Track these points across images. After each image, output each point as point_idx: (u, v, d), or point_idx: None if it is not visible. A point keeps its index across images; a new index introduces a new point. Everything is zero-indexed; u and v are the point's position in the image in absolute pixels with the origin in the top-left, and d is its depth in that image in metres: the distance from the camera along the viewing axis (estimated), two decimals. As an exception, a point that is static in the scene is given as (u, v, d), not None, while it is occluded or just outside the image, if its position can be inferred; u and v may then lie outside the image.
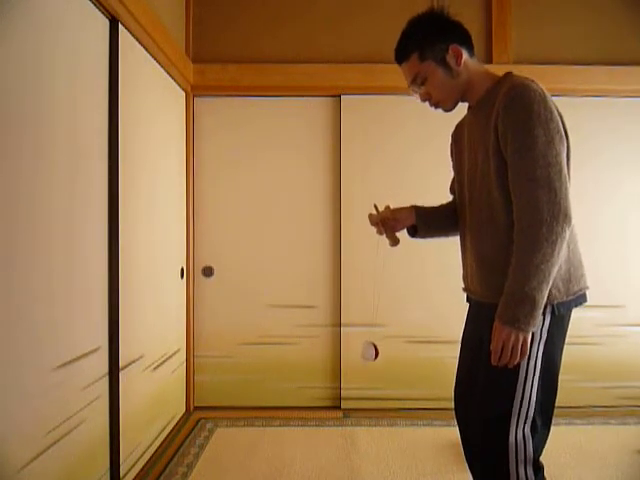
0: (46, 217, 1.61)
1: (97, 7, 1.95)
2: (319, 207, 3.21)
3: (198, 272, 3.19)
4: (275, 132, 3.20)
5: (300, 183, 3.21)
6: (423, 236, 1.65)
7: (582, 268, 1.40)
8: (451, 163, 1.65)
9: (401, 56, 1.46)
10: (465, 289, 1.56)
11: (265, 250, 3.20)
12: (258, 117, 3.20)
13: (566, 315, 1.37)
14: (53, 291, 1.64)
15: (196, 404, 3.17)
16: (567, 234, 1.24)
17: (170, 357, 2.78)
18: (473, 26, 3.20)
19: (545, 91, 1.31)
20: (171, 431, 2.78)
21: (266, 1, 3.21)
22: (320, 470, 2.35)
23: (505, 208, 1.33)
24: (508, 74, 1.42)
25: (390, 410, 3.10)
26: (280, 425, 2.90)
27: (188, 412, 3.09)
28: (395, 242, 1.61)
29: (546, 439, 1.39)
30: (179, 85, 2.94)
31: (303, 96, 3.19)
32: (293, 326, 3.19)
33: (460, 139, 1.57)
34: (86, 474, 1.85)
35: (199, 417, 3.01)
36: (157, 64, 2.57)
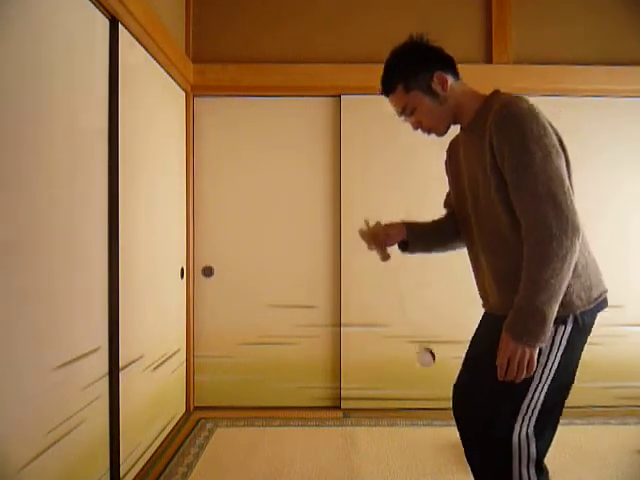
0: (46, 217, 1.61)
1: (97, 7, 1.95)
2: (319, 207, 3.21)
3: (198, 272, 3.19)
4: (275, 132, 3.20)
5: (300, 183, 3.21)
6: (413, 251, 1.65)
7: (599, 272, 1.39)
8: (446, 178, 1.65)
9: (387, 89, 1.47)
10: (485, 306, 1.54)
11: (265, 250, 3.20)
12: (258, 117, 3.20)
13: (589, 323, 1.36)
14: (53, 291, 1.64)
15: (196, 404, 3.17)
16: (577, 247, 1.23)
17: (170, 357, 2.77)
18: (473, 26, 3.22)
19: (536, 107, 1.31)
20: (171, 431, 2.77)
21: (266, 1, 3.21)
22: (320, 470, 2.35)
23: (511, 225, 1.33)
24: (495, 93, 1.43)
25: (390, 410, 3.10)
26: (280, 425, 2.90)
27: (188, 412, 3.09)
28: (386, 257, 1.61)
29: (551, 441, 1.38)
30: (179, 85, 2.94)
31: (303, 96, 3.19)
32: (293, 326, 3.19)
33: (455, 157, 1.57)
34: (86, 474, 1.85)
35: (199, 417, 3.01)
36: (157, 64, 2.57)
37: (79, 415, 1.79)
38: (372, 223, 1.64)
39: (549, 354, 1.30)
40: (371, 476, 2.29)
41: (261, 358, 3.17)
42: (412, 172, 3.15)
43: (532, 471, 1.33)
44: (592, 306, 1.34)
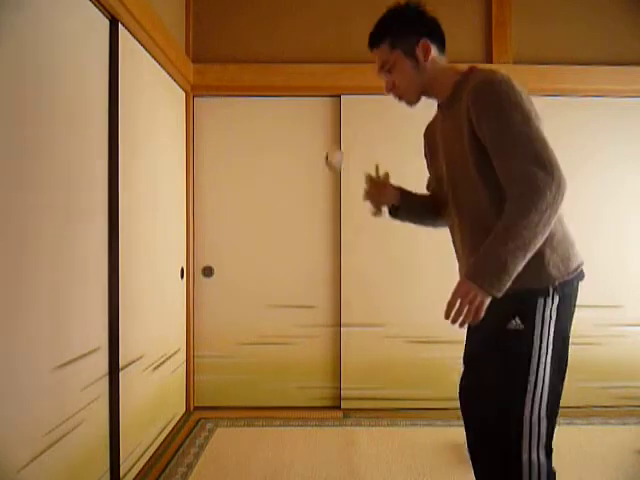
0: (46, 217, 1.61)
1: (97, 7, 1.95)
2: (319, 207, 3.21)
3: (198, 272, 3.19)
4: (275, 132, 3.20)
5: (300, 183, 3.21)
6: (402, 218, 1.68)
7: (575, 244, 1.39)
8: (425, 162, 1.67)
9: (373, 42, 1.49)
10: None
11: (265, 250, 3.20)
12: (258, 117, 3.20)
13: (572, 293, 1.36)
14: (53, 291, 1.64)
15: (196, 404, 3.17)
16: (559, 205, 1.21)
17: (170, 357, 2.77)
18: (473, 26, 3.22)
19: (511, 78, 1.33)
20: (171, 431, 2.77)
21: (266, 1, 3.21)
22: (320, 470, 2.35)
23: (490, 200, 1.34)
24: (472, 68, 1.44)
25: (390, 410, 3.10)
26: (280, 425, 2.90)
27: (188, 412, 3.09)
28: (378, 212, 1.65)
29: (554, 426, 1.37)
30: (179, 85, 2.94)
31: (303, 96, 3.19)
32: (293, 326, 3.19)
33: (432, 138, 1.59)
34: (86, 474, 1.85)
35: (199, 417, 3.01)
36: (157, 64, 2.57)
37: (79, 415, 1.79)
38: (382, 172, 1.67)
39: (542, 329, 1.30)
40: (371, 476, 2.29)
41: (261, 358, 3.18)
42: (412, 172, 3.14)
43: (542, 455, 1.31)
44: (571, 277, 1.34)
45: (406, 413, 3.05)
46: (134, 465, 2.25)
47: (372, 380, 3.14)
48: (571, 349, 1.39)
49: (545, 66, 3.12)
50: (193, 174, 3.16)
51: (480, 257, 1.24)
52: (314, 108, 3.21)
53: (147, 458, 2.41)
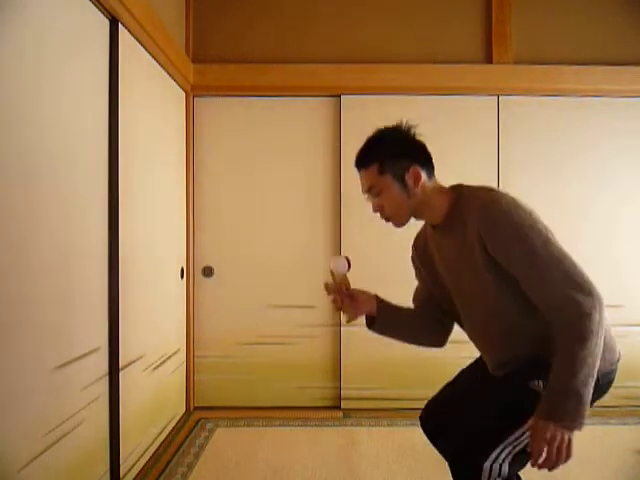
0: (46, 217, 1.61)
1: (97, 7, 1.95)
2: (319, 207, 3.21)
3: (198, 272, 3.19)
4: (275, 132, 3.20)
5: (300, 183, 3.21)
6: (379, 331, 1.61)
7: (613, 335, 1.41)
8: (414, 272, 1.66)
9: (362, 162, 1.47)
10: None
11: (265, 250, 3.20)
12: (258, 117, 3.19)
13: (605, 383, 1.35)
14: (53, 291, 1.64)
15: (196, 404, 3.17)
16: (604, 319, 1.23)
17: (170, 357, 2.77)
18: (473, 26, 3.22)
19: (512, 197, 1.34)
20: (171, 431, 2.77)
21: (266, 1, 3.21)
22: (320, 470, 2.35)
23: (521, 309, 1.35)
24: (461, 187, 1.45)
25: (390, 410, 3.10)
26: (280, 425, 2.90)
27: (188, 412, 3.09)
28: (352, 317, 1.55)
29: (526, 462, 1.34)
30: (179, 85, 2.94)
31: (303, 96, 3.19)
32: (293, 326, 3.19)
33: (424, 252, 1.58)
34: (86, 474, 1.85)
35: (199, 417, 3.01)
36: (157, 64, 2.57)
37: (79, 415, 1.79)
38: (339, 270, 1.58)
39: None
40: (371, 476, 2.29)
41: (261, 358, 3.17)
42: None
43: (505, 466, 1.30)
44: (612, 368, 1.36)
45: (406, 413, 3.05)
46: (134, 465, 2.25)
47: (372, 380, 3.14)
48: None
49: (545, 66, 3.12)
50: (193, 174, 3.16)
51: (553, 394, 1.21)
52: (314, 108, 3.21)
53: (147, 458, 2.41)
